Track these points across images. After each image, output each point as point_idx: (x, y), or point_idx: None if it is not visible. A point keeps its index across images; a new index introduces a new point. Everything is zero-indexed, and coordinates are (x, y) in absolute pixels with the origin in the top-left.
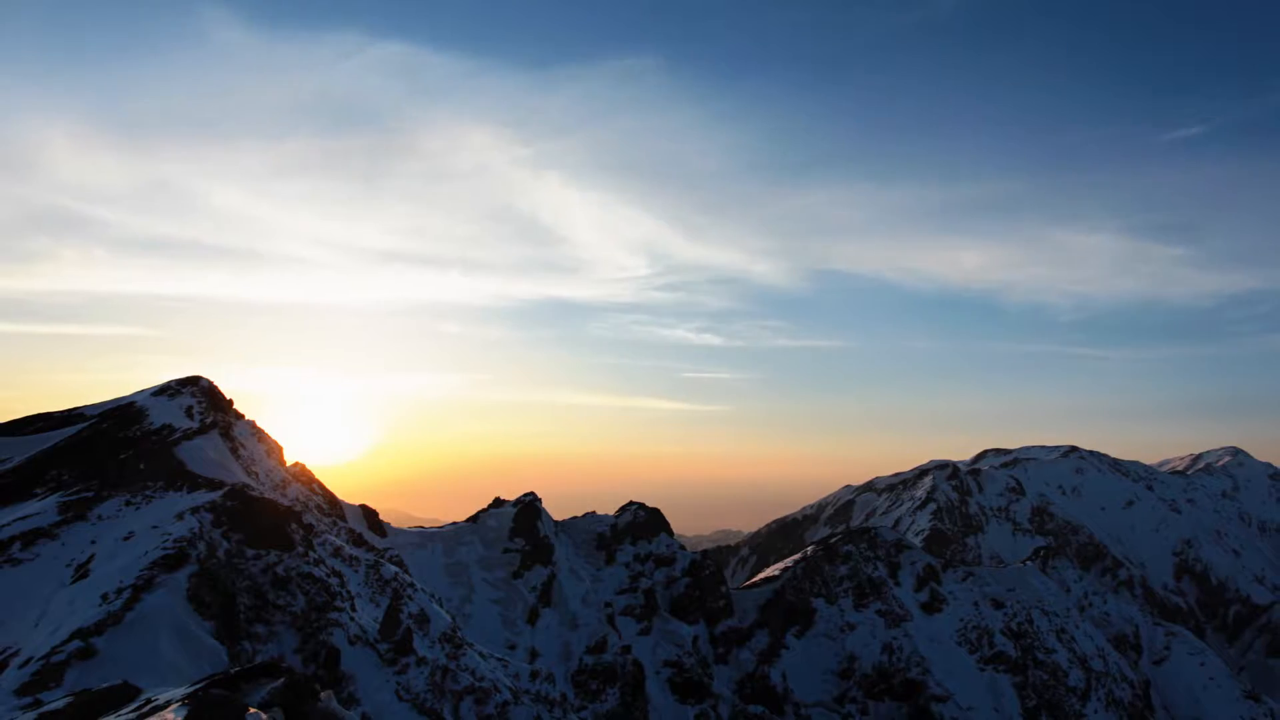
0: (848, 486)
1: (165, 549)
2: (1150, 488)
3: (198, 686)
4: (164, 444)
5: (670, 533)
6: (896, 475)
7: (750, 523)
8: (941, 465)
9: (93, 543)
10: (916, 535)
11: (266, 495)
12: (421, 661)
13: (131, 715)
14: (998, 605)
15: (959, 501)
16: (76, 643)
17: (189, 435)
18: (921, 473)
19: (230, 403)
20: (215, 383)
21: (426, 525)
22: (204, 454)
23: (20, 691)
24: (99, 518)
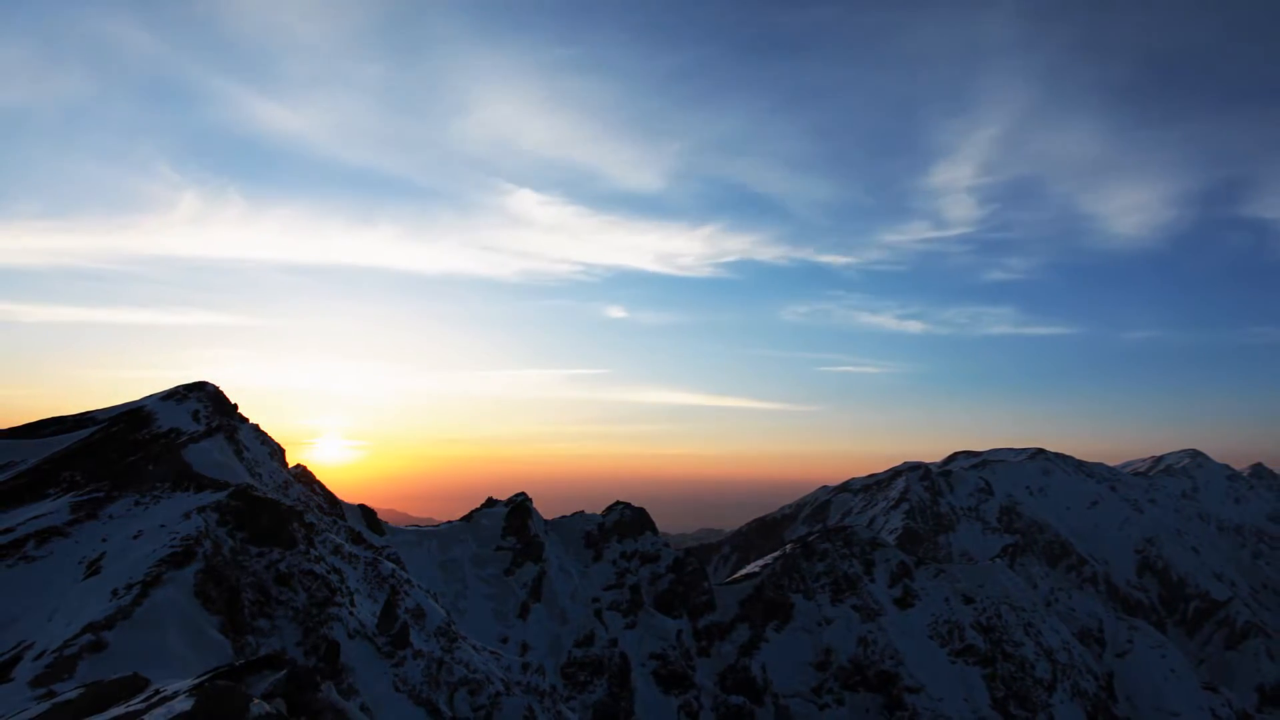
0: (824, 487)
1: (173, 547)
2: (1114, 488)
3: (204, 678)
4: (172, 446)
5: (655, 531)
6: (871, 476)
7: (732, 521)
8: (914, 467)
9: (104, 541)
10: (890, 534)
11: (269, 495)
12: (418, 654)
13: (141, 705)
14: (968, 600)
15: (931, 501)
16: (88, 636)
17: (195, 438)
18: (895, 474)
19: (235, 407)
20: (220, 388)
21: (422, 524)
22: (210, 456)
23: (35, 682)
24: (109, 517)
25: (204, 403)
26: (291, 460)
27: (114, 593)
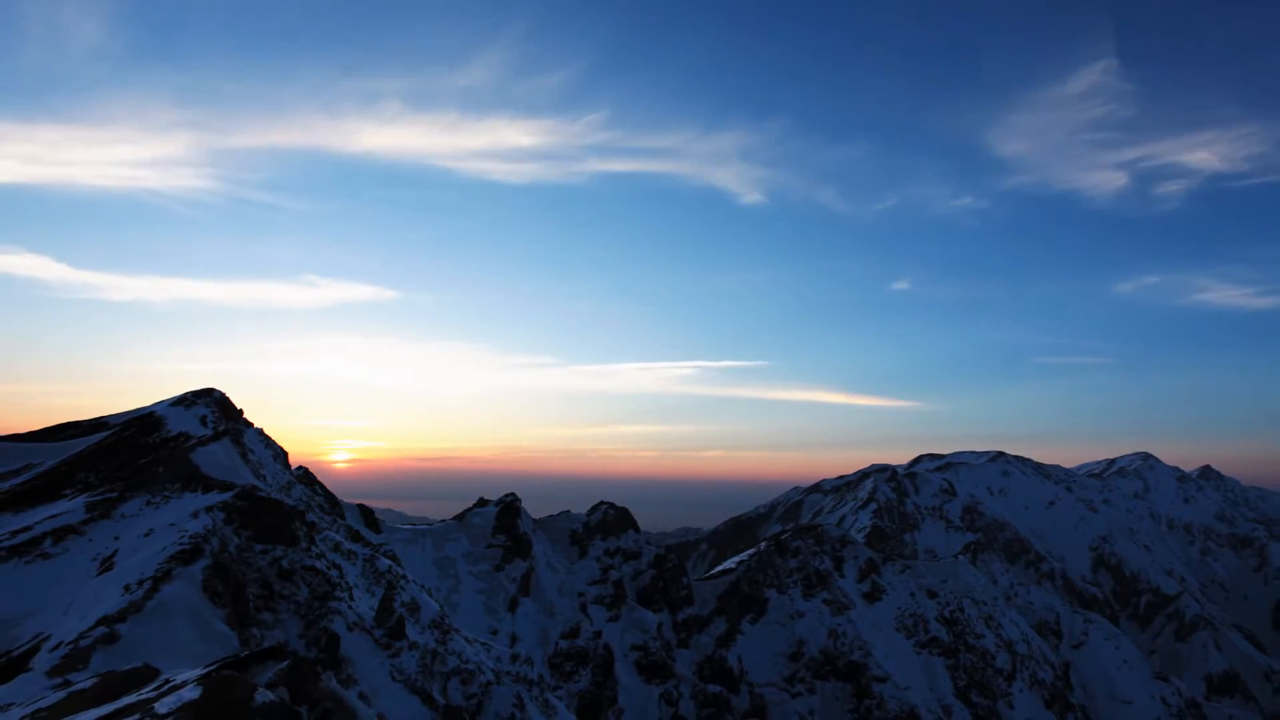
0: (796, 488)
1: (182, 544)
2: (1070, 489)
3: (211, 668)
4: (181, 449)
5: (637, 529)
6: (841, 478)
7: (710, 520)
8: (881, 469)
9: (116, 539)
10: (859, 532)
11: (273, 496)
12: (413, 646)
13: (152, 694)
14: (932, 595)
15: (897, 502)
16: (102, 629)
17: (203, 442)
18: (863, 475)
19: (240, 412)
20: (227, 394)
21: (418, 523)
22: (217, 458)
23: (51, 673)
24: (122, 516)
25: (211, 408)
26: (293, 463)
27: (126, 588)
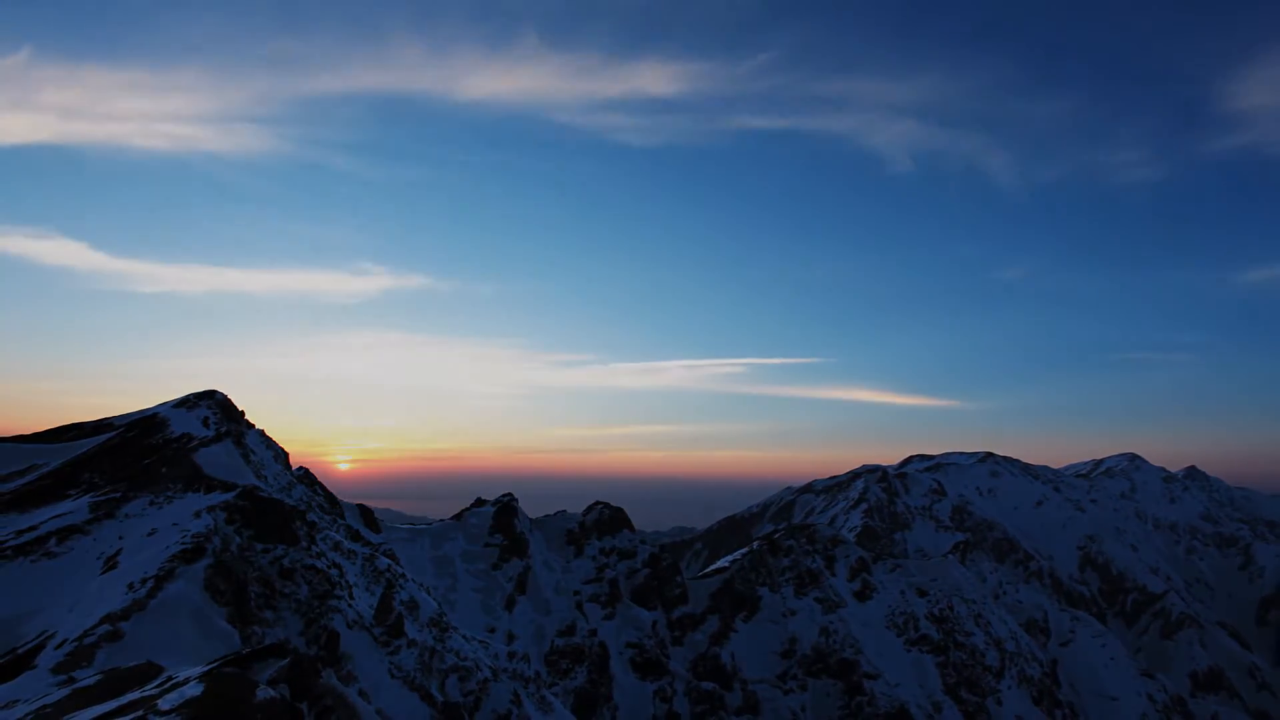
0: (789, 488)
1: (184, 543)
2: (1057, 489)
3: (213, 665)
4: (183, 451)
5: (632, 529)
6: (832, 478)
7: (704, 520)
8: (872, 469)
9: (120, 538)
10: (850, 531)
11: (274, 496)
12: (412, 644)
13: (155, 691)
14: (922, 593)
15: (888, 502)
16: (106, 626)
17: (205, 443)
18: (854, 476)
19: (242, 414)
20: (229, 396)
21: (416, 523)
22: (219, 459)
23: (56, 670)
24: (126, 516)
25: (213, 410)
26: (294, 463)
27: (130, 586)
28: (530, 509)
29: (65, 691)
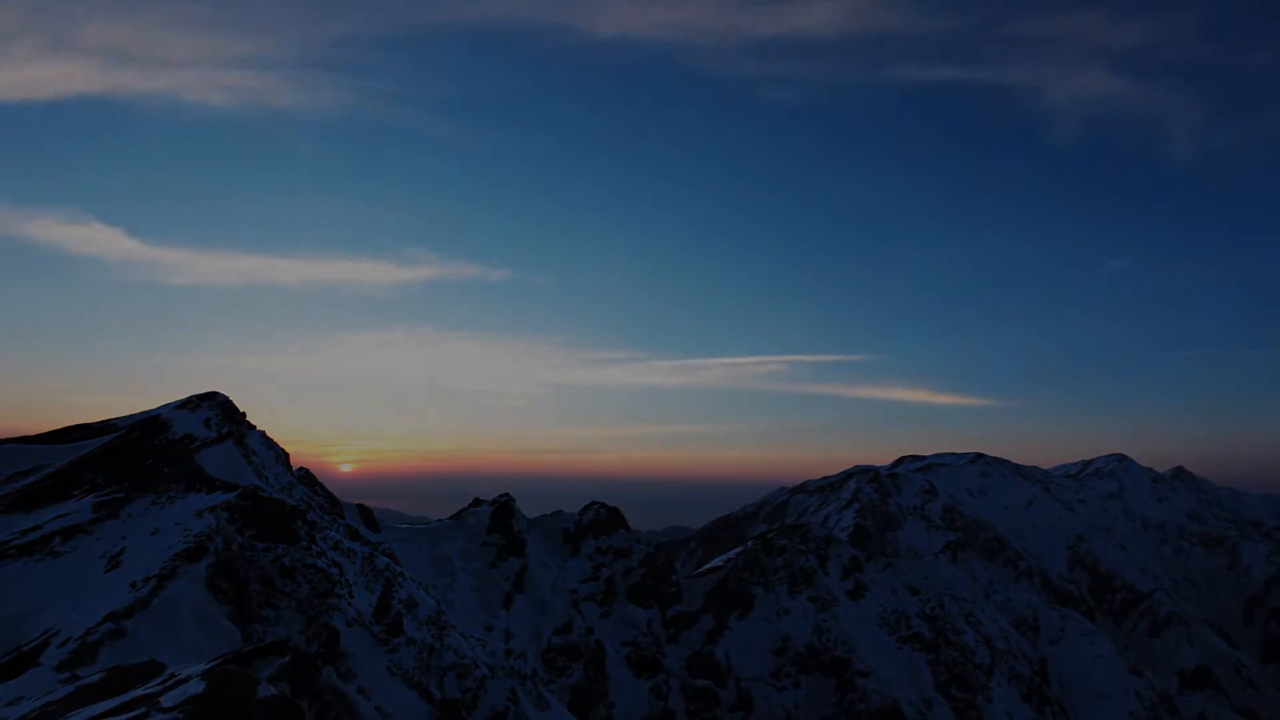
0: (782, 488)
1: (187, 543)
2: (1047, 489)
3: (215, 663)
4: (186, 451)
5: (628, 528)
6: (825, 478)
7: (698, 519)
8: (864, 470)
9: (123, 538)
10: (842, 531)
11: (275, 496)
12: (410, 641)
13: (157, 688)
14: (914, 592)
15: (879, 501)
16: (109, 625)
17: (207, 444)
18: (847, 476)
19: (244, 415)
20: (231, 398)
21: (416, 523)
22: (220, 460)
23: (60, 667)
24: (129, 516)
25: (215, 411)
26: (295, 464)
27: (133, 585)
28: (540, 509)
29: (69, 689)
